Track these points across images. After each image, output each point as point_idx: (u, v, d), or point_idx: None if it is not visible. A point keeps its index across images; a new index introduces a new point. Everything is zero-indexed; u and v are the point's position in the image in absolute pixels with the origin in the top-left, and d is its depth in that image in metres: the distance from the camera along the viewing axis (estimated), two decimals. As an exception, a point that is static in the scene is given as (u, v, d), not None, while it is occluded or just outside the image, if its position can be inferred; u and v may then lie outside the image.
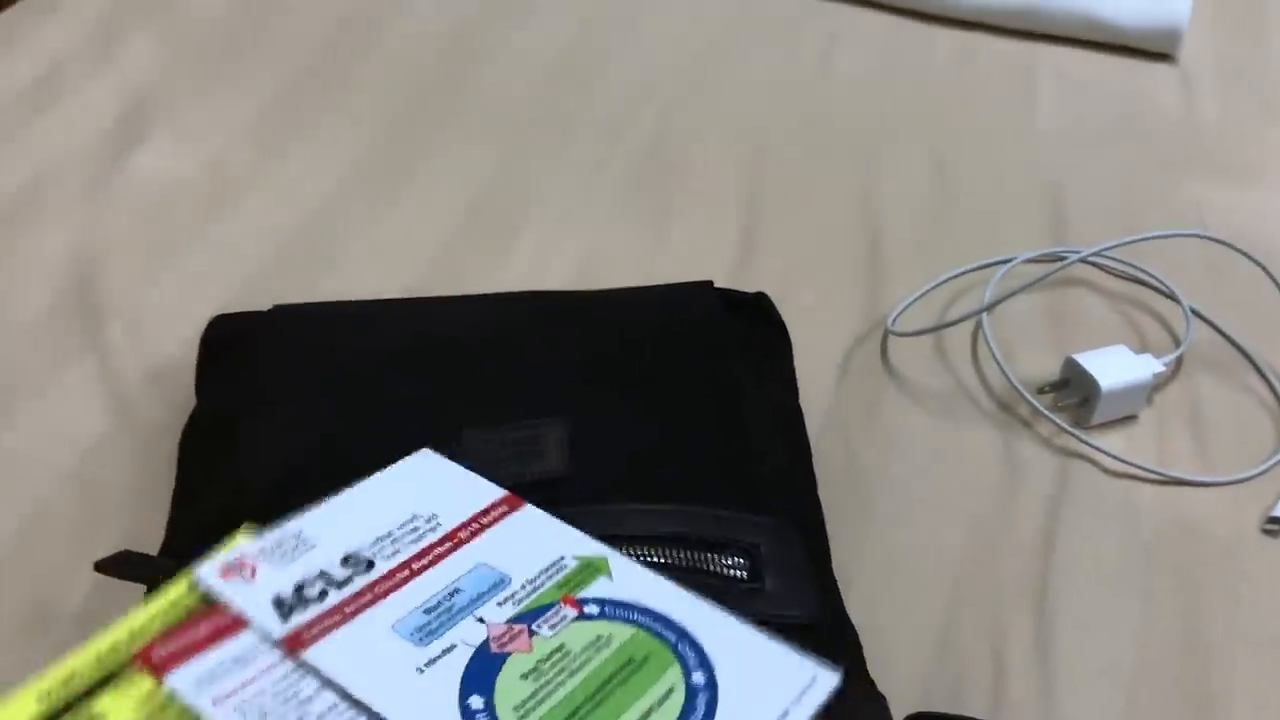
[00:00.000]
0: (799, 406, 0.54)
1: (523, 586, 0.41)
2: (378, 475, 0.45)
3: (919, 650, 0.48)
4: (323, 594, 0.40)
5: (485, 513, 0.44)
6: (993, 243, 0.67)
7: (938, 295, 0.64)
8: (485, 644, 0.39)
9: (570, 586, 0.41)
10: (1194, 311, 0.62)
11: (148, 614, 0.39)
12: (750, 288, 0.61)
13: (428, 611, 0.40)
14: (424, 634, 0.39)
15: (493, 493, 0.44)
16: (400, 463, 0.46)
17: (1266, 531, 0.53)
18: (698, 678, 0.38)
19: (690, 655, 0.39)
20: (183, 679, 0.37)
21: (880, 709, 0.42)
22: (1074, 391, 0.57)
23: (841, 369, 0.60)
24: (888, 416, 0.58)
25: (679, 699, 0.37)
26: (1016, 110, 0.78)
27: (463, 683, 0.38)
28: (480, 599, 0.40)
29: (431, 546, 0.42)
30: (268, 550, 0.41)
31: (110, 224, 0.67)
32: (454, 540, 0.43)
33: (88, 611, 0.48)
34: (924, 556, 0.52)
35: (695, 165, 0.73)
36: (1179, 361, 0.60)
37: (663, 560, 0.43)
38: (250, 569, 0.41)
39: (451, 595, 0.41)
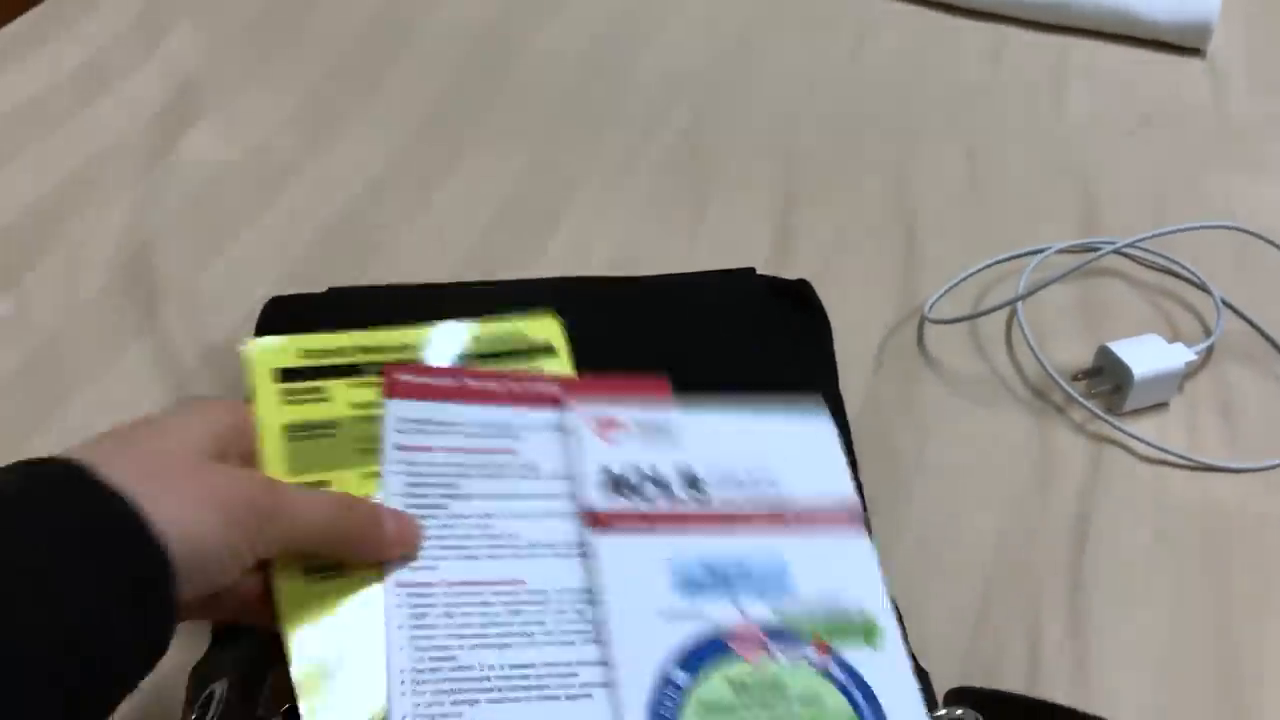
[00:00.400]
0: (839, 392, 0.55)
1: (796, 604, 0.40)
2: (772, 413, 0.46)
3: (957, 629, 0.50)
4: (649, 496, 0.42)
5: (826, 514, 0.43)
6: (1026, 233, 0.68)
7: (972, 284, 0.65)
8: (726, 632, 0.39)
9: (834, 634, 0.40)
10: (1225, 302, 0.63)
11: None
12: (787, 275, 0.62)
13: (708, 569, 0.41)
14: (689, 587, 0.40)
15: (847, 499, 0.44)
16: (800, 416, 0.46)
17: (1297, 517, 0.54)
18: None
19: None
20: (398, 409, 0.43)
21: (924, 684, 0.43)
22: (1107, 379, 0.58)
23: (879, 355, 0.61)
24: (924, 402, 0.59)
25: None
26: (1047, 102, 0.79)
27: (682, 652, 0.39)
28: (756, 589, 0.40)
29: (762, 514, 0.43)
30: (643, 424, 0.44)
31: (161, 209, 0.68)
32: (780, 520, 0.43)
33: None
34: (960, 539, 0.53)
35: (729, 157, 0.74)
36: (1210, 351, 0.61)
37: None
38: (618, 431, 0.43)
39: (738, 569, 0.41)
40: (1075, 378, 0.59)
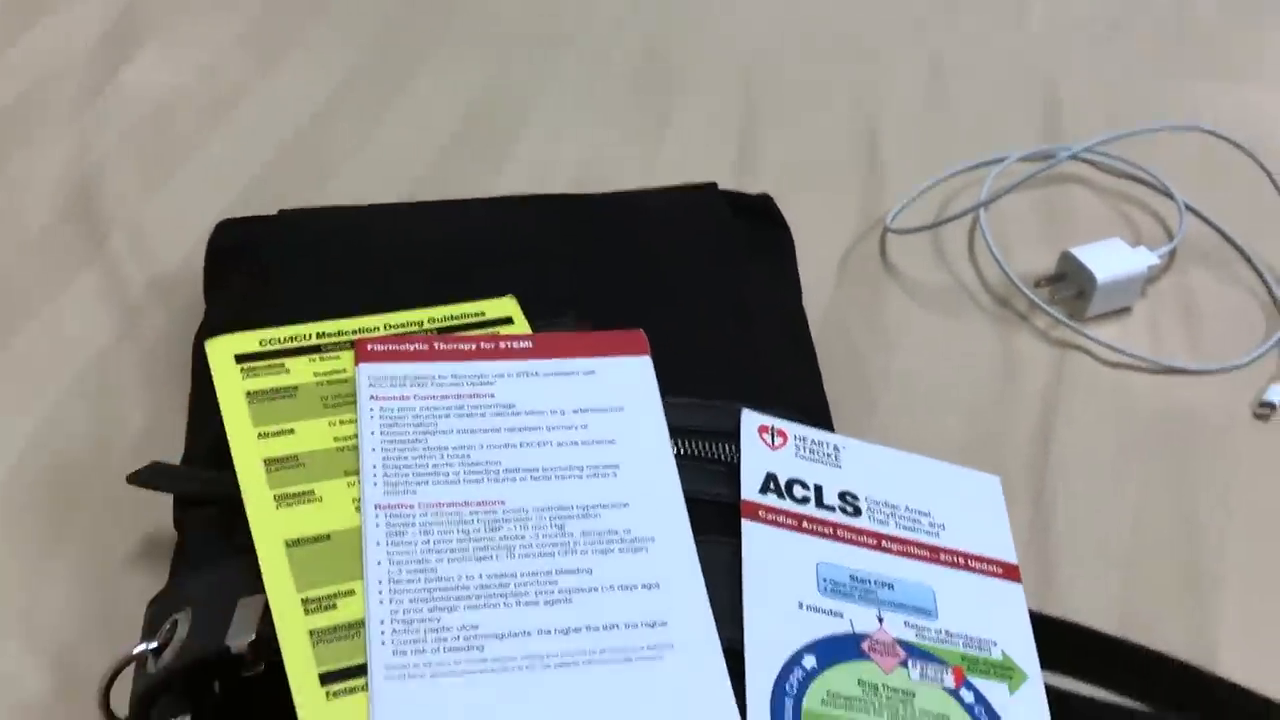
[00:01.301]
0: (802, 305, 0.55)
1: (938, 631, 0.41)
2: (943, 464, 0.47)
3: (923, 535, 0.50)
4: (803, 500, 0.43)
5: (980, 560, 0.43)
6: (989, 142, 0.67)
7: (935, 194, 0.65)
8: (862, 636, 0.40)
9: (972, 667, 0.40)
10: (1187, 206, 0.63)
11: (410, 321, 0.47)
12: (750, 190, 0.62)
13: (854, 578, 0.41)
14: (832, 589, 0.41)
15: (1005, 554, 0.44)
16: (969, 470, 0.47)
17: (1258, 416, 0.54)
18: None
19: None
20: (370, 371, 0.44)
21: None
22: (1070, 284, 0.58)
23: (841, 267, 0.60)
24: (888, 313, 0.58)
25: None
26: (1010, 10, 0.78)
27: (816, 641, 0.39)
28: (898, 608, 0.41)
29: (915, 543, 0.43)
30: (806, 441, 0.45)
31: (107, 136, 0.66)
32: (934, 554, 0.43)
33: (106, 517, 0.49)
34: (925, 447, 0.53)
35: (692, 71, 0.72)
36: (1173, 254, 0.61)
37: (677, 450, 0.44)
38: (782, 441, 0.45)
39: (883, 586, 0.41)
40: (1038, 284, 0.59)
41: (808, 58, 0.73)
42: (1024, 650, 0.41)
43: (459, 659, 0.36)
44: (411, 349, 0.45)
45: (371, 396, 0.43)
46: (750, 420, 0.45)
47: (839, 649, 0.39)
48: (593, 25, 0.75)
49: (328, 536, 0.39)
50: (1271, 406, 0.54)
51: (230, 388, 0.43)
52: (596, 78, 0.72)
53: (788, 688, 0.38)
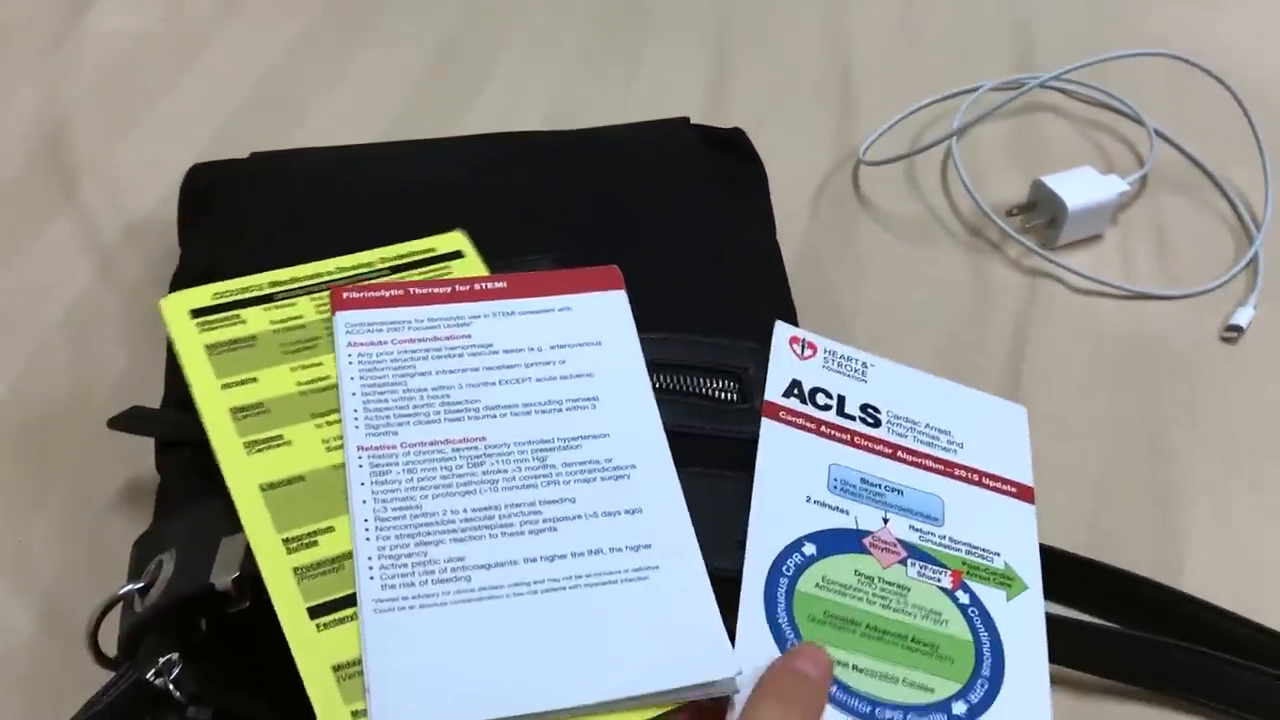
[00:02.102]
0: (775, 239, 0.55)
1: (943, 537, 0.42)
2: (971, 390, 0.47)
3: (897, 463, 0.50)
4: (825, 407, 0.44)
5: (994, 479, 0.44)
6: (962, 72, 0.67)
7: (908, 125, 0.65)
8: (864, 532, 0.41)
9: (971, 572, 0.41)
10: (1157, 132, 0.64)
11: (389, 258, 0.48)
12: (723, 124, 0.62)
13: (865, 481, 0.43)
14: (841, 488, 0.42)
15: (1021, 476, 0.45)
16: (997, 399, 0.48)
17: (1224, 339, 0.55)
18: (959, 709, 0.38)
19: (976, 695, 0.39)
20: (347, 318, 0.44)
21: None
22: (1041, 213, 0.59)
23: (815, 199, 0.61)
24: (861, 244, 0.59)
25: (926, 699, 0.38)
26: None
27: (817, 533, 0.40)
28: (904, 512, 0.42)
29: (930, 456, 0.44)
30: (836, 355, 0.46)
31: (74, 83, 0.66)
32: (948, 468, 0.44)
33: (90, 462, 0.49)
34: (899, 376, 0.54)
35: (664, 4, 0.72)
36: (1143, 181, 0.62)
37: (658, 385, 0.44)
38: (811, 353, 0.46)
39: (892, 491, 0.43)
40: (1010, 213, 0.59)
41: (779, -10, 0.73)
42: (1027, 564, 0.42)
43: (447, 589, 0.37)
44: (387, 295, 0.45)
45: (350, 343, 0.43)
46: (782, 331, 0.46)
47: (840, 541, 0.40)
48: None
49: (301, 478, 0.40)
50: (1238, 329, 0.55)
51: (189, 343, 0.43)
52: (567, 14, 0.71)
53: (785, 569, 0.39)
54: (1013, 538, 0.43)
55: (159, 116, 0.64)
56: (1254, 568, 0.47)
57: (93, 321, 0.54)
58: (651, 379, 0.44)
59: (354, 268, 0.47)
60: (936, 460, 0.44)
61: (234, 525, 0.39)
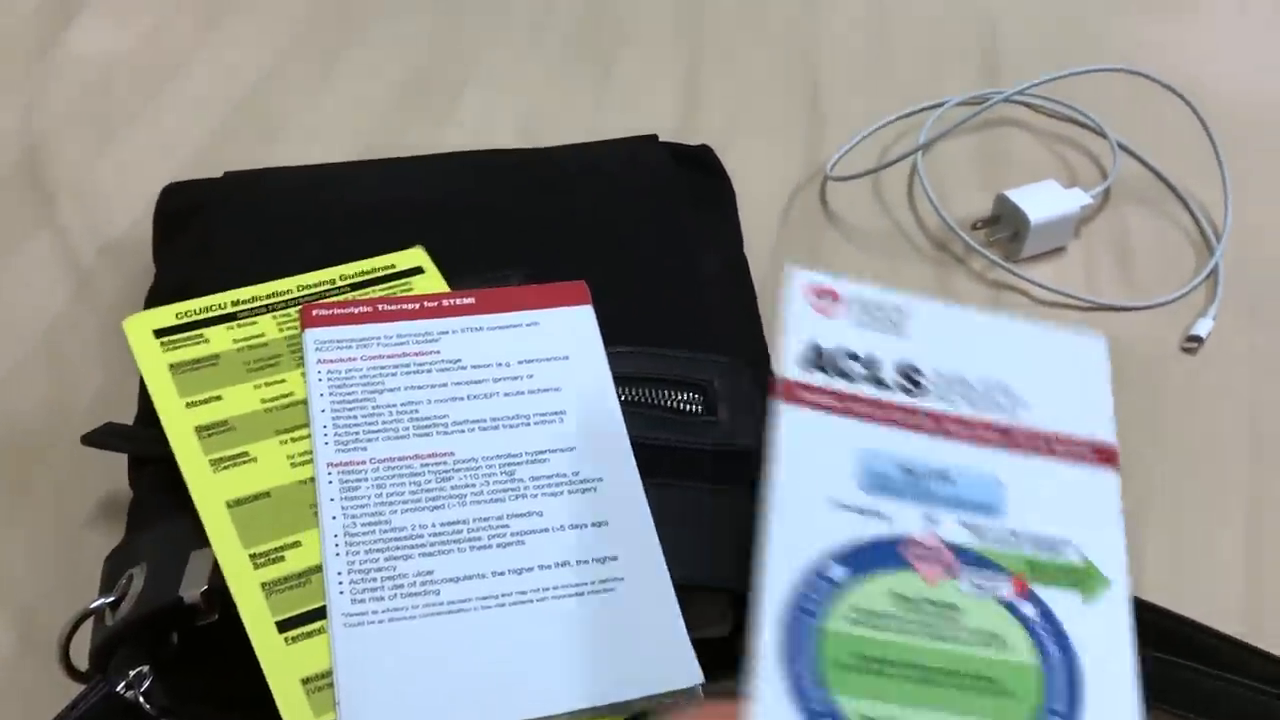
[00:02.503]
0: (744, 255, 0.56)
1: (1002, 531, 0.35)
2: (1035, 325, 0.39)
3: (862, 473, 0.51)
4: (853, 376, 0.37)
5: (1067, 443, 0.37)
6: (929, 88, 0.68)
7: (875, 141, 0.66)
8: (903, 540, 0.34)
9: (1039, 574, 0.34)
10: (1120, 145, 0.65)
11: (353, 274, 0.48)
12: (693, 140, 0.63)
13: (904, 469, 0.35)
14: (874, 483, 0.35)
15: (1101, 432, 0.38)
16: (1068, 333, 0.39)
17: (1185, 349, 0.56)
18: None
19: None
20: (316, 335, 0.44)
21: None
22: (1005, 226, 0.59)
23: (784, 214, 0.62)
24: (829, 258, 0.60)
25: None
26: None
27: (844, 550, 0.34)
28: (954, 506, 0.35)
29: (985, 424, 0.36)
30: (865, 303, 0.38)
31: (52, 104, 0.67)
32: (1008, 438, 0.36)
33: (66, 480, 0.50)
34: (866, 388, 0.54)
35: (634, 21, 0.73)
36: (1106, 194, 0.63)
37: (624, 397, 0.45)
38: (834, 305, 0.38)
39: (939, 478, 0.35)
40: (975, 226, 0.60)
41: (748, 5, 0.74)
42: (1108, 550, 0.35)
43: (416, 603, 0.38)
44: (356, 311, 0.46)
45: (319, 360, 0.44)
46: (798, 280, 0.39)
47: (875, 557, 0.34)
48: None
49: (267, 494, 0.40)
50: (1198, 340, 0.56)
51: (153, 363, 0.44)
52: (539, 31, 0.72)
53: (807, 605, 0.33)
54: (1090, 518, 0.36)
55: (136, 135, 0.65)
56: (1209, 572, 0.48)
57: (69, 340, 0.55)
58: (618, 392, 0.45)
59: (315, 285, 0.48)
60: (994, 429, 0.36)
61: (203, 540, 0.39)
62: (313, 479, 0.40)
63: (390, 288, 0.48)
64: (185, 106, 0.66)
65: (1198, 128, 0.62)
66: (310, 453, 0.41)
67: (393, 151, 0.64)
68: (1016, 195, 0.59)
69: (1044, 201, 0.59)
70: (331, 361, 0.44)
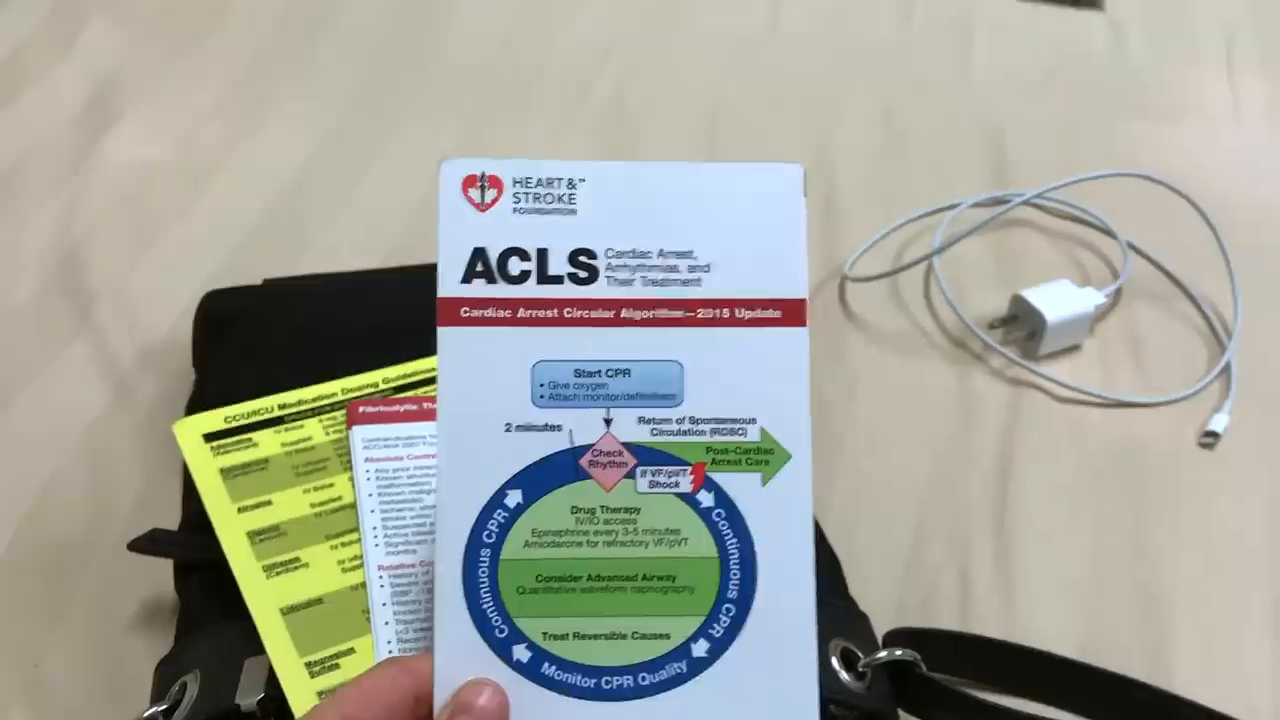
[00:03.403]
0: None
1: (681, 420, 0.34)
2: (723, 167, 0.35)
3: (891, 570, 0.52)
4: (522, 277, 0.34)
5: (752, 305, 0.34)
6: (941, 189, 0.70)
7: (891, 242, 0.67)
8: (581, 450, 0.33)
9: (720, 458, 0.33)
10: (1130, 246, 0.67)
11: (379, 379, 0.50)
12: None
13: (578, 373, 0.34)
14: (550, 394, 0.33)
15: (789, 287, 0.35)
16: (758, 167, 0.35)
17: (1203, 445, 0.57)
18: (699, 649, 0.33)
19: (720, 626, 0.33)
20: (363, 433, 0.44)
21: (864, 625, 0.46)
22: (1022, 325, 0.61)
23: (805, 315, 0.63)
24: (850, 357, 0.61)
25: (661, 650, 0.33)
26: (957, 62, 0.81)
27: (524, 470, 0.33)
28: (633, 400, 0.33)
29: (665, 302, 0.34)
30: (530, 185, 0.35)
31: (89, 208, 0.68)
32: (690, 313, 0.34)
33: (107, 584, 0.50)
34: (891, 485, 0.56)
35: (654, 124, 0.75)
36: (1118, 293, 0.64)
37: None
38: (496, 194, 0.35)
39: (614, 374, 0.34)
40: (992, 326, 0.62)
41: (764, 110, 0.76)
42: (792, 422, 0.34)
43: None
44: (401, 410, 0.47)
45: (367, 459, 0.45)
46: (453, 172, 0.35)
47: (551, 473, 0.33)
48: (558, 80, 0.78)
49: (320, 600, 0.41)
50: (1215, 435, 0.57)
51: (204, 467, 0.45)
52: (564, 131, 0.74)
53: (485, 536, 0.33)
54: (774, 388, 0.34)
55: (173, 240, 0.66)
56: (1237, 667, 0.49)
57: (109, 444, 0.56)
58: None
59: (359, 388, 0.49)
60: (674, 304, 0.34)
61: (256, 647, 0.40)
62: (364, 584, 0.41)
63: (432, 390, 0.49)
64: (220, 211, 0.68)
65: (1204, 228, 0.64)
66: (360, 557, 0.42)
67: (425, 254, 0.66)
68: (1032, 295, 0.61)
69: (1059, 301, 0.61)
70: (379, 460, 0.45)
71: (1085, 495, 0.55)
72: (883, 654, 0.44)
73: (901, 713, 0.44)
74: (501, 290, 0.34)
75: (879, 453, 0.57)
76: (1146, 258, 0.67)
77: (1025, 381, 0.60)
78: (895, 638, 0.46)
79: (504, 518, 0.33)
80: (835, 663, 0.42)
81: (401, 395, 0.49)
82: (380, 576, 0.41)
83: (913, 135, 0.75)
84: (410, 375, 0.50)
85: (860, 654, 0.43)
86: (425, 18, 0.83)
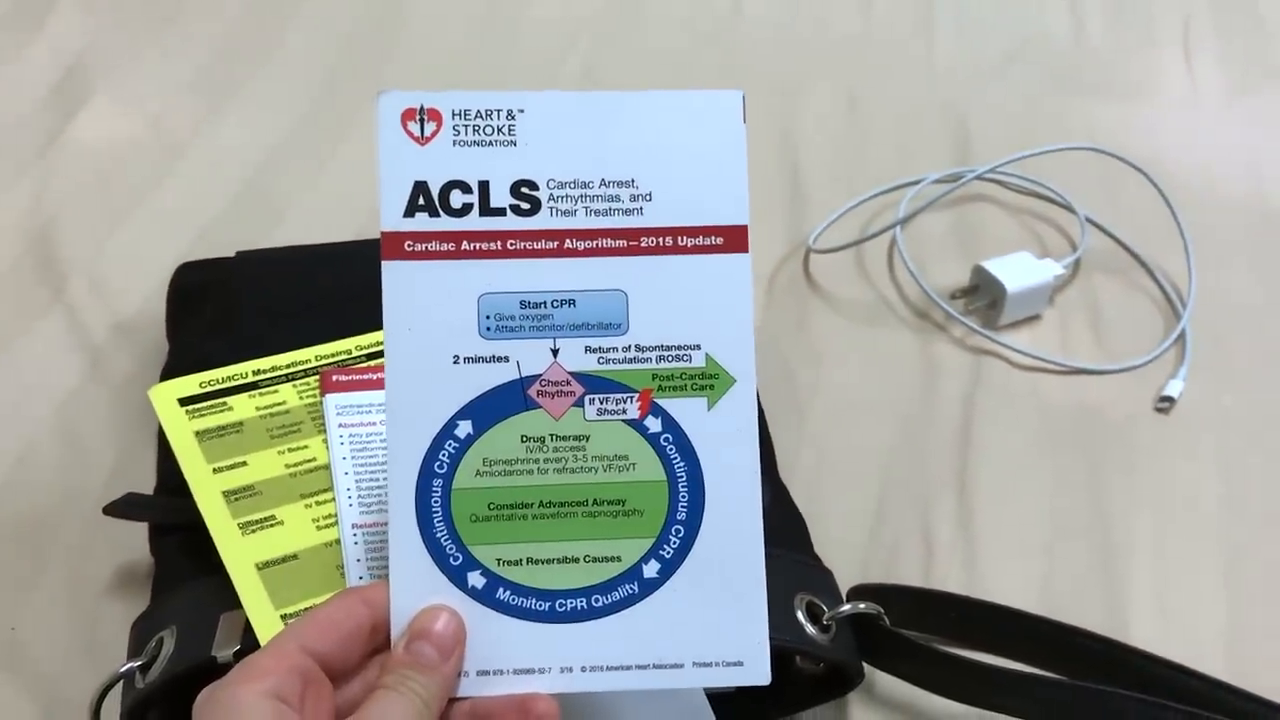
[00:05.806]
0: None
1: (627, 349, 0.34)
2: (664, 94, 0.35)
3: (856, 532, 0.53)
4: (464, 210, 0.34)
5: (694, 233, 0.35)
6: (904, 168, 0.72)
7: (855, 217, 0.69)
8: (529, 380, 0.34)
9: (665, 384, 0.34)
10: (1088, 219, 0.68)
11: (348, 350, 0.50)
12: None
13: (524, 305, 0.34)
14: (497, 326, 0.34)
15: (730, 213, 0.36)
16: (699, 94, 0.36)
17: (1158, 410, 0.59)
18: (650, 570, 0.34)
19: (670, 547, 0.34)
20: (336, 400, 0.45)
21: (829, 580, 0.47)
22: (983, 296, 0.62)
23: (769, 287, 0.64)
24: (814, 328, 0.62)
25: (612, 572, 0.34)
26: (919, 44, 0.82)
27: (473, 401, 0.33)
28: (579, 330, 0.34)
29: (608, 232, 0.34)
30: (469, 117, 0.34)
31: (62, 187, 0.69)
32: (633, 241, 0.34)
33: (82, 552, 0.51)
34: (855, 451, 0.57)
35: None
36: (1077, 265, 0.66)
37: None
38: (435, 126, 0.35)
39: (560, 304, 0.34)
40: (953, 296, 0.63)
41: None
42: (735, 346, 0.35)
43: None
44: (375, 377, 0.48)
45: (340, 424, 0.46)
46: (391, 105, 0.35)
47: (500, 403, 0.33)
48: (526, 61, 0.79)
49: (295, 556, 0.42)
50: (1170, 400, 0.59)
51: (179, 430, 0.46)
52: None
53: (437, 466, 0.33)
54: (718, 315, 0.35)
55: (145, 217, 0.67)
56: (1190, 621, 0.50)
57: (82, 415, 0.56)
58: None
59: (332, 355, 0.50)
60: (616, 234, 0.34)
61: (231, 602, 0.41)
62: (338, 541, 0.42)
63: None
64: (192, 187, 0.69)
65: (1159, 201, 0.65)
66: (334, 515, 0.43)
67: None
68: (993, 266, 0.62)
69: (1019, 272, 0.62)
70: (352, 425, 0.46)
71: (1044, 459, 0.57)
72: (846, 607, 0.45)
73: (865, 665, 0.45)
74: (444, 223, 0.34)
75: (844, 419, 0.58)
76: (1104, 231, 0.68)
77: (986, 350, 0.61)
78: (859, 592, 0.47)
79: (454, 448, 0.33)
80: (801, 616, 0.43)
81: (373, 363, 0.49)
82: (354, 534, 0.42)
83: (876, 117, 0.76)
84: (382, 343, 0.50)
85: (825, 607, 0.44)
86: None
